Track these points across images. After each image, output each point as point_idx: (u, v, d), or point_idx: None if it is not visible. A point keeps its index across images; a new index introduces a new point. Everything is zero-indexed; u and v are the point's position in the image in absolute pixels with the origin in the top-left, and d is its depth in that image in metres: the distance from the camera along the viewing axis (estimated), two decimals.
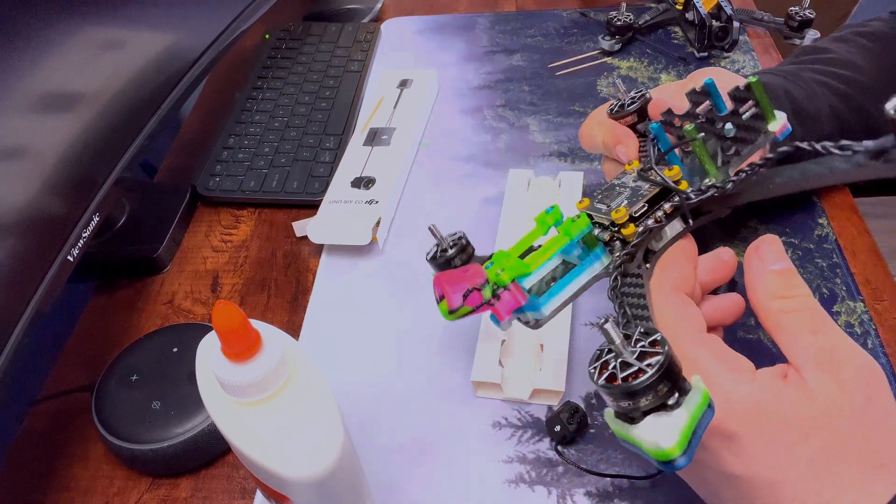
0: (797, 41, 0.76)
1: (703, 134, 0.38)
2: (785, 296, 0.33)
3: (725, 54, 0.74)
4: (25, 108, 0.45)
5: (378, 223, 0.59)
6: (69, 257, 0.49)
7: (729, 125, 0.37)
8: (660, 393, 0.26)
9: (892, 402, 0.30)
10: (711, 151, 0.38)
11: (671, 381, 0.26)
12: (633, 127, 0.46)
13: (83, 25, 0.50)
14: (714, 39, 0.72)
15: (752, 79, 0.37)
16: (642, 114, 0.46)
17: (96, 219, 0.52)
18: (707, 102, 0.38)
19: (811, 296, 0.33)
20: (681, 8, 0.78)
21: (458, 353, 0.51)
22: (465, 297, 0.36)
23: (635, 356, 0.27)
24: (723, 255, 0.38)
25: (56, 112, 0.48)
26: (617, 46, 0.77)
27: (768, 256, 0.34)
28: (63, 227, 0.49)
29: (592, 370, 0.28)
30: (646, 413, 0.27)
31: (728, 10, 0.72)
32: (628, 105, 0.46)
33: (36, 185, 0.46)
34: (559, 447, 0.45)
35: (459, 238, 0.43)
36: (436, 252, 0.43)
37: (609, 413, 0.29)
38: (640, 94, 0.46)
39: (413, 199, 0.64)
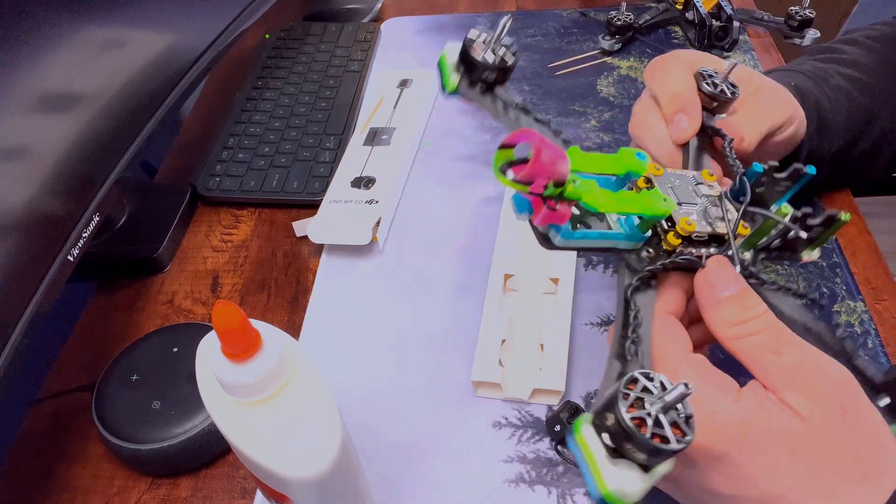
0: (797, 41, 0.76)
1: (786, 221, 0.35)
2: (740, 321, 0.32)
3: (725, 54, 0.74)
4: (25, 107, 0.45)
5: (378, 223, 0.59)
6: (69, 257, 0.49)
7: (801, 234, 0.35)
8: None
9: (867, 410, 0.31)
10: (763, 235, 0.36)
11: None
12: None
13: (83, 25, 0.50)
14: (714, 39, 0.72)
15: (845, 216, 0.33)
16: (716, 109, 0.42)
17: (96, 219, 0.52)
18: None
19: (768, 312, 0.32)
20: (681, 7, 0.78)
21: (458, 353, 0.51)
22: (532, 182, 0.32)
23: (670, 422, 0.26)
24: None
25: (56, 112, 0.48)
26: (617, 46, 0.77)
27: (718, 282, 0.33)
28: (63, 227, 0.49)
29: (622, 397, 0.27)
30: (626, 457, 0.26)
31: (728, 10, 0.72)
32: (729, 90, 0.41)
33: (36, 185, 0.46)
34: (559, 447, 0.45)
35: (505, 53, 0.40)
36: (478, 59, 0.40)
37: (586, 419, 0.28)
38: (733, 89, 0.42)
39: (413, 199, 0.64)
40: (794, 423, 0.30)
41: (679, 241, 0.35)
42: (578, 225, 0.35)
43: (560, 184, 0.31)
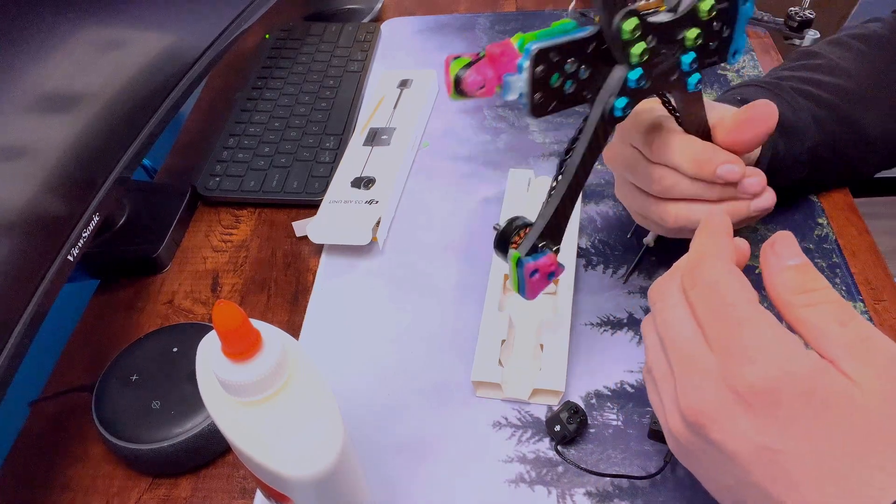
0: (797, 41, 0.76)
1: None
2: (806, 290, 0.33)
3: None
4: (26, 107, 0.45)
5: (378, 223, 0.59)
6: (69, 257, 0.49)
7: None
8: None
9: None
10: None
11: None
12: None
13: (83, 25, 0.50)
14: None
15: None
16: None
17: (96, 219, 0.52)
18: None
19: (831, 288, 0.33)
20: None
21: (458, 353, 0.51)
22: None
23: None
24: (739, 244, 0.38)
25: (56, 112, 0.48)
26: None
27: (784, 252, 0.34)
28: (63, 227, 0.49)
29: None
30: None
31: None
32: None
33: (36, 185, 0.46)
34: (559, 447, 0.45)
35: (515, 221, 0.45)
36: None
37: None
38: None
39: (413, 199, 0.64)
40: (855, 391, 0.30)
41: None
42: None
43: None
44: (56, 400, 0.53)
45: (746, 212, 0.44)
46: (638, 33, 0.36)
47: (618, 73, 0.37)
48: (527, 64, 0.35)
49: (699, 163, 0.43)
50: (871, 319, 0.49)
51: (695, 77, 0.40)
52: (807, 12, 0.74)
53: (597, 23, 0.37)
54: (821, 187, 0.58)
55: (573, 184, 0.40)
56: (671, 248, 0.56)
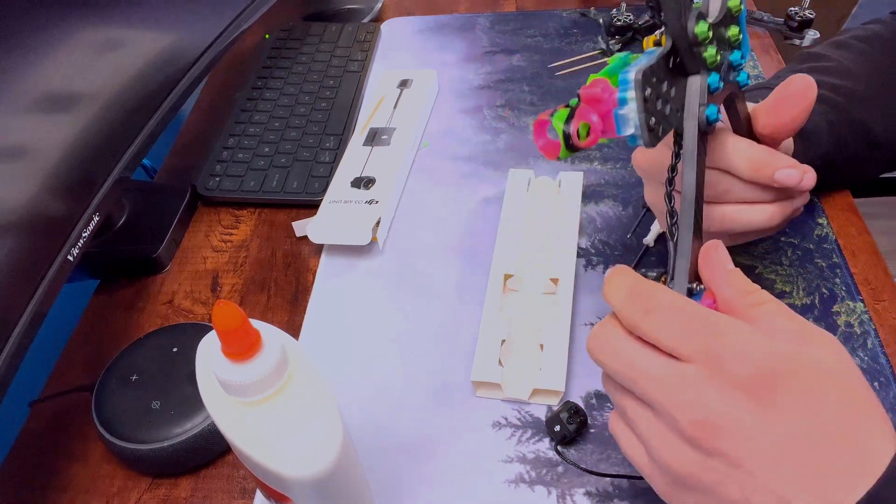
0: (797, 41, 0.76)
1: None
2: (749, 291, 0.34)
3: None
4: (26, 107, 0.45)
5: (378, 223, 0.59)
6: (69, 257, 0.49)
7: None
8: None
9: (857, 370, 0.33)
10: None
11: None
12: None
13: (83, 25, 0.50)
14: None
15: None
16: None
17: (96, 219, 0.52)
18: None
19: (762, 289, 0.34)
20: None
21: (458, 353, 0.51)
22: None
23: None
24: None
25: (56, 112, 0.48)
26: (617, 47, 0.77)
27: (724, 258, 0.35)
28: (63, 227, 0.49)
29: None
30: None
31: None
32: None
33: (36, 185, 0.46)
34: (559, 447, 0.45)
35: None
36: None
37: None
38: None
39: (413, 199, 0.64)
40: (826, 363, 0.31)
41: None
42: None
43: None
44: (56, 400, 0.53)
45: (791, 211, 0.44)
46: (709, 35, 0.35)
47: (697, 82, 0.36)
48: (631, 93, 0.33)
49: (757, 167, 0.42)
50: (871, 319, 0.49)
51: (743, 74, 0.39)
52: (807, 12, 0.74)
53: (660, 39, 0.36)
54: (822, 188, 0.58)
55: (697, 211, 0.37)
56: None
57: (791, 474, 0.30)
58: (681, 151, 0.37)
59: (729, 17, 0.37)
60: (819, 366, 0.31)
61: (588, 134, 0.34)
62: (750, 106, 0.44)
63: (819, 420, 0.30)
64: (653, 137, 0.34)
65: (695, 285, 0.36)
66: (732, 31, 0.37)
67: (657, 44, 0.37)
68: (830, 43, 0.58)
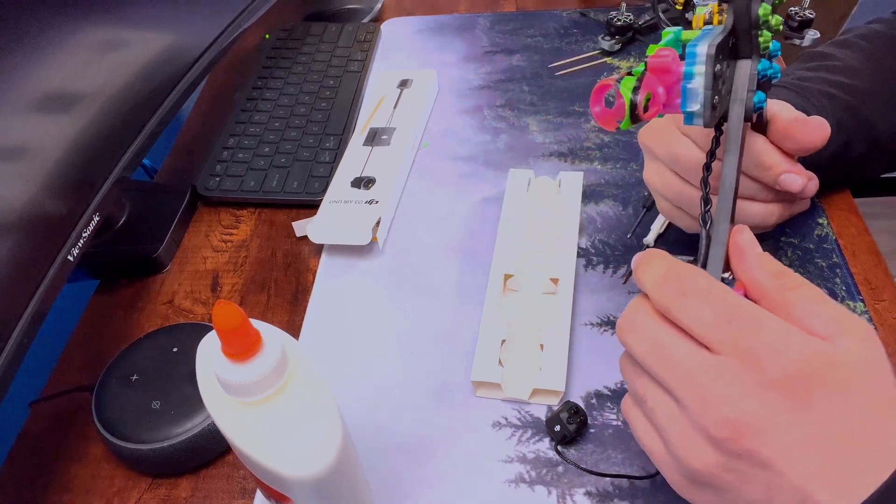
0: (797, 41, 0.75)
1: None
2: (784, 273, 0.33)
3: None
4: (26, 107, 0.45)
5: (378, 223, 0.59)
6: (69, 257, 0.49)
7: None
8: None
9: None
10: None
11: None
12: None
13: (83, 25, 0.50)
14: None
15: None
16: None
17: (96, 219, 0.52)
18: None
19: (794, 273, 0.33)
20: (681, 8, 0.77)
21: (458, 353, 0.51)
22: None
23: None
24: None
25: (56, 112, 0.48)
26: (617, 46, 0.77)
27: (752, 242, 0.34)
28: (63, 227, 0.49)
29: None
30: None
31: None
32: None
33: (36, 185, 0.46)
34: (559, 447, 0.45)
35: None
36: None
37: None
38: None
39: (413, 199, 0.64)
40: (856, 362, 0.30)
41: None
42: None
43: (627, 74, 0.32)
44: (56, 400, 0.53)
45: (788, 213, 0.44)
46: (770, 18, 0.34)
47: (745, 67, 0.35)
48: (700, 67, 0.31)
49: (763, 167, 0.41)
50: (871, 320, 0.49)
51: (776, 66, 0.38)
52: (807, 12, 0.74)
53: (710, 18, 0.35)
54: (825, 187, 0.58)
55: (735, 200, 0.35)
56: (671, 248, 0.56)
57: (816, 470, 0.29)
58: (719, 137, 0.36)
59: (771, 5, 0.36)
60: (852, 361, 0.30)
61: (648, 106, 0.32)
62: (778, 103, 0.43)
63: (849, 419, 0.29)
64: (713, 117, 0.33)
65: (728, 275, 0.35)
66: (775, 20, 0.36)
67: (708, 22, 0.36)
68: (834, 42, 0.58)
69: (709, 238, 0.35)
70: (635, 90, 0.31)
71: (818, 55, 0.57)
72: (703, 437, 0.30)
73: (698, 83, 0.32)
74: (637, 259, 0.35)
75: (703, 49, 0.31)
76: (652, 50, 0.33)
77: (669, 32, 0.35)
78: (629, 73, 0.32)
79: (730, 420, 0.30)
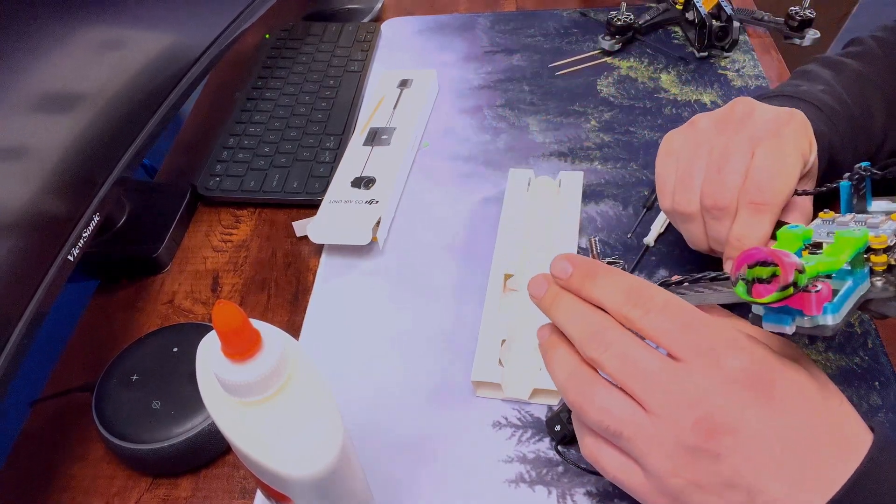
0: (797, 41, 0.76)
1: None
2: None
3: (725, 54, 0.74)
4: (26, 107, 0.45)
5: (378, 223, 0.59)
6: (69, 257, 0.49)
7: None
8: None
9: None
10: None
11: None
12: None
13: (83, 25, 0.50)
14: (714, 39, 0.73)
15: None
16: None
17: (96, 219, 0.52)
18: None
19: None
20: (681, 8, 0.78)
21: (458, 353, 0.51)
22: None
23: None
24: None
25: (56, 112, 0.48)
26: (617, 46, 0.77)
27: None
28: (63, 227, 0.49)
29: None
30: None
31: (728, 10, 0.72)
32: None
33: (36, 185, 0.46)
34: (559, 447, 0.45)
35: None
36: None
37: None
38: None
39: (413, 199, 0.64)
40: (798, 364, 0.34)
41: (885, 256, 0.34)
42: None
43: (801, 271, 0.31)
44: (56, 400, 0.53)
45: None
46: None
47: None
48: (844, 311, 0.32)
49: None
50: (871, 320, 0.49)
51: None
52: (807, 12, 0.74)
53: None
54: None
55: None
56: (671, 248, 0.56)
57: (784, 467, 0.30)
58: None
59: None
60: (795, 370, 0.33)
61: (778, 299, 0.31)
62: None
63: (810, 413, 0.31)
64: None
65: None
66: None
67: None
68: (846, 53, 0.57)
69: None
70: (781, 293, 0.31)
71: (848, 48, 0.57)
72: (682, 450, 0.31)
73: (841, 316, 0.32)
74: (541, 285, 0.38)
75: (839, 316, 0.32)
76: (792, 243, 0.34)
77: (809, 233, 0.35)
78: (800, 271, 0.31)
79: (701, 421, 0.31)
